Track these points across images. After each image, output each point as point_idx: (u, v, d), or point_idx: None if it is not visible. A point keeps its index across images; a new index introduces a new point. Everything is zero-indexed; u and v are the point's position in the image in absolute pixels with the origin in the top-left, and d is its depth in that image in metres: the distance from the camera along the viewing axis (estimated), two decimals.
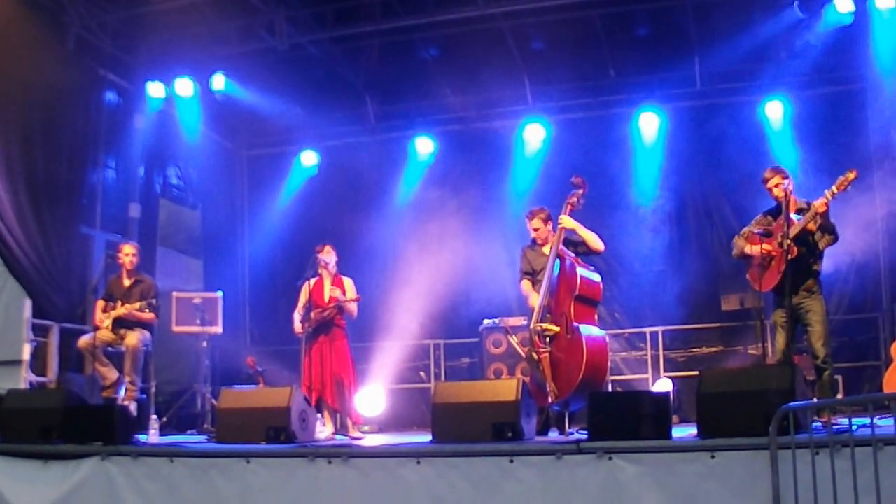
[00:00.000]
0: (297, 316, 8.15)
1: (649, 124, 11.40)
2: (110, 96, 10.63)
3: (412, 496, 5.44)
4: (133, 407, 8.04)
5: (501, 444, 5.59)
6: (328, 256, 8.19)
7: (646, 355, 11.00)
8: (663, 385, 10.16)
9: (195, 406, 10.07)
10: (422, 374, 11.78)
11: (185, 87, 10.97)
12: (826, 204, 6.53)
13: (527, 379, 7.05)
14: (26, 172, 9.07)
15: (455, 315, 11.61)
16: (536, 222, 7.56)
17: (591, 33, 10.77)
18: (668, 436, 5.20)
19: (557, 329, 7.03)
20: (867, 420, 4.49)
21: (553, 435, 6.97)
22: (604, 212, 10.42)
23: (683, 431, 5.77)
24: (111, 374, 8.41)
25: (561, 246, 7.29)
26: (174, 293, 10.32)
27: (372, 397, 10.39)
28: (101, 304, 8.67)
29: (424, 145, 12.29)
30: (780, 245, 6.52)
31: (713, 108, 11.26)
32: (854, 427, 4.50)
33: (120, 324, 8.49)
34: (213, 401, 9.27)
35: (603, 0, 10.35)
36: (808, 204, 6.73)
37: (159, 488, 6.00)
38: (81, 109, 9.94)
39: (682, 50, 10.95)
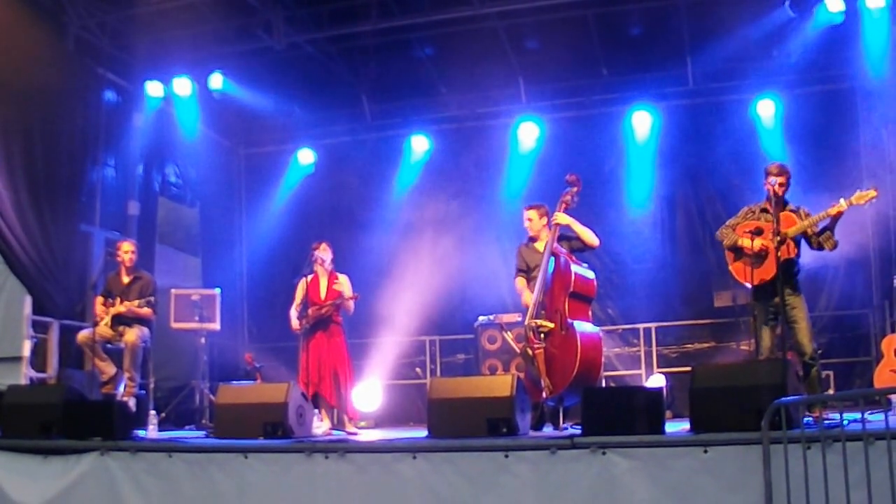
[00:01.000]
0: (293, 312, 8.22)
1: (642, 123, 11.47)
2: (109, 95, 10.68)
3: (408, 491, 5.46)
4: (132, 403, 8.08)
5: (496, 439, 5.59)
6: (325, 253, 8.26)
7: (639, 351, 11.08)
8: (656, 381, 10.23)
9: (193, 402, 10.08)
10: (418, 370, 11.84)
11: (183, 86, 11.04)
12: (841, 211, 6.47)
13: (521, 375, 7.03)
14: (26, 170, 9.11)
15: (450, 311, 11.69)
16: (531, 213, 7.57)
17: (585, 32, 10.82)
18: (662, 431, 5.24)
19: (552, 325, 7.06)
20: (858, 415, 4.58)
21: (547, 430, 7.00)
22: (597, 209, 10.44)
23: (676, 426, 5.78)
24: (109, 368, 8.47)
25: (555, 243, 7.32)
26: (172, 290, 10.34)
27: (368, 393, 10.47)
28: (100, 299, 8.71)
29: (420, 143, 12.35)
30: (782, 241, 6.51)
31: (705, 107, 11.32)
32: (845, 422, 4.51)
33: (119, 320, 8.56)
34: (211, 396, 9.30)
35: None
36: (798, 207, 6.78)
37: (158, 483, 6.02)
38: (81, 108, 9.98)
39: (675, 49, 11.00)
